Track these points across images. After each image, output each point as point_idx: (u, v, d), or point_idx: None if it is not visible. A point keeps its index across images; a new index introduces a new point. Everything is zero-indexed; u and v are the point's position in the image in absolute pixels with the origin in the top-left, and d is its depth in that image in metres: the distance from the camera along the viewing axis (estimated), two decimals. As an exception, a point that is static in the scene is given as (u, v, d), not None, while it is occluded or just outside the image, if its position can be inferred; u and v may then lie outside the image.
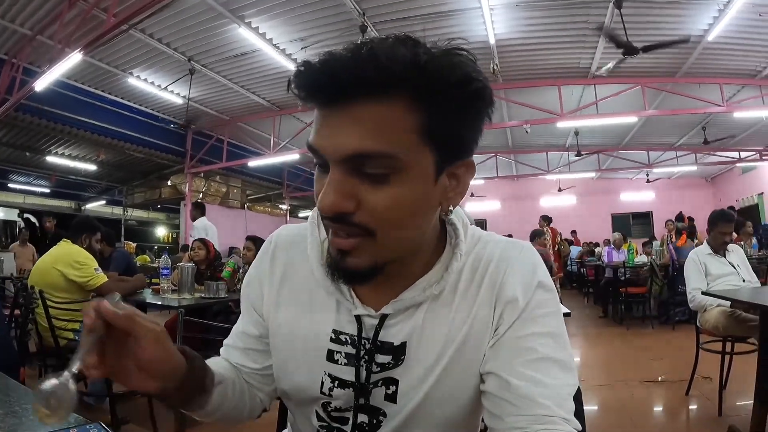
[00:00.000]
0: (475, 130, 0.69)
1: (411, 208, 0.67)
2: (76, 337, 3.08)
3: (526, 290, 0.77)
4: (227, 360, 0.94)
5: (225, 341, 0.96)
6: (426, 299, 0.78)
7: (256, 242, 4.40)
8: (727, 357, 3.46)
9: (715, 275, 3.63)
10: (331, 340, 0.81)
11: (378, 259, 0.69)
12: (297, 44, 7.98)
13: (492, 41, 7.74)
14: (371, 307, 0.79)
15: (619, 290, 7.40)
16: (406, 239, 0.71)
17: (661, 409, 3.70)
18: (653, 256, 7.77)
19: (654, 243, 8.81)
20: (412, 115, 0.63)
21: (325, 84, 0.62)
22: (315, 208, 0.89)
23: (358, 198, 0.65)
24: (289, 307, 0.86)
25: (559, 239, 9.11)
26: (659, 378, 4.25)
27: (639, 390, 4.00)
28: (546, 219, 9.07)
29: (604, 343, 5.97)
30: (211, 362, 0.88)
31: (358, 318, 0.80)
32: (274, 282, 0.88)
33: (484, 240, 0.84)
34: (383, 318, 0.79)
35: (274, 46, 8.03)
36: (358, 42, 0.63)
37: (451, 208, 0.75)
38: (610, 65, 7.22)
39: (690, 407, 3.58)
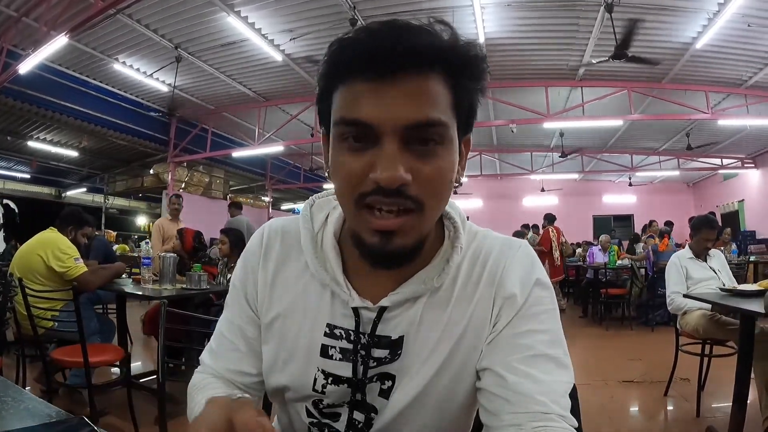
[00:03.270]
0: (477, 105, 0.73)
1: (449, 179, 0.69)
2: (55, 325, 3.03)
3: (524, 287, 0.77)
4: (219, 375, 0.87)
5: (213, 346, 0.89)
6: (425, 292, 0.77)
7: (228, 235, 4.30)
8: (705, 359, 3.51)
9: (696, 279, 3.68)
10: (326, 334, 0.79)
11: (421, 235, 0.70)
12: (286, 35, 7.93)
13: (481, 39, 7.73)
14: (368, 299, 0.78)
15: (599, 291, 7.47)
16: (439, 213, 0.73)
17: (640, 409, 3.74)
18: (634, 258, 7.87)
19: (637, 245, 8.92)
20: (448, 90, 0.66)
21: (384, 53, 0.62)
22: (307, 201, 0.88)
23: (412, 171, 0.65)
24: (281, 300, 0.83)
25: (562, 239, 8.98)
26: (638, 379, 4.29)
27: (618, 390, 4.04)
28: (548, 218, 9.06)
29: (583, 342, 6.02)
30: (224, 392, 0.81)
31: (355, 311, 0.78)
32: (267, 275, 0.85)
33: (481, 235, 0.84)
34: (381, 311, 0.77)
35: (263, 36, 7.95)
36: (392, 20, 0.65)
37: (462, 179, 0.76)
38: (593, 61, 7.29)
39: (668, 408, 3.62)
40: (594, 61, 7.38)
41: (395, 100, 0.63)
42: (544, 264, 5.96)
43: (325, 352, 0.79)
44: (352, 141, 0.66)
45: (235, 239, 4.24)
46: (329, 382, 0.79)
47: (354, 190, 0.66)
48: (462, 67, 0.67)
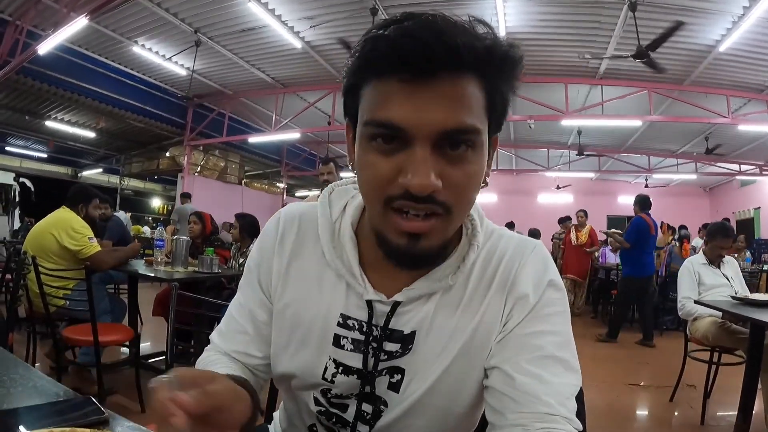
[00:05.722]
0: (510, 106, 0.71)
1: (479, 182, 0.69)
2: (66, 304, 3.07)
3: (537, 288, 0.77)
4: (227, 354, 0.88)
5: (222, 328, 0.90)
6: (439, 290, 0.77)
7: (240, 220, 4.34)
8: (713, 367, 3.48)
9: (709, 285, 3.65)
10: (339, 324, 0.80)
11: (446, 238, 0.70)
12: (305, 23, 7.90)
13: (502, 33, 7.61)
14: (382, 293, 0.78)
15: (610, 292, 7.40)
16: (465, 215, 0.73)
17: (644, 413, 3.73)
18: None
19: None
20: (482, 92, 0.64)
21: (420, 53, 0.59)
22: (326, 188, 0.88)
23: (443, 175, 0.64)
24: (296, 287, 0.84)
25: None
26: (644, 382, 4.27)
27: (624, 393, 4.03)
28: (586, 214, 8.63)
29: (591, 343, 5.99)
30: (230, 370, 0.82)
31: (369, 303, 0.78)
32: (282, 260, 0.85)
33: (498, 234, 0.83)
34: (395, 305, 0.78)
35: (283, 23, 7.94)
36: (428, 16, 0.62)
37: (487, 179, 0.73)
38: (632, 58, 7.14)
39: (673, 413, 3.60)
40: (615, 53, 7.18)
41: (429, 103, 0.61)
42: (587, 262, 5.69)
43: (337, 341, 0.80)
44: (381, 142, 0.64)
45: (246, 224, 4.27)
46: (339, 371, 0.80)
47: (382, 192, 0.65)
48: (498, 71, 0.65)
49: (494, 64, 0.63)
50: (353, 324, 0.79)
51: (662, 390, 3.93)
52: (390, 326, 0.78)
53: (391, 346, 0.78)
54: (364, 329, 0.79)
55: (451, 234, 0.71)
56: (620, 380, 4.32)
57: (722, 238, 3.74)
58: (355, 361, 0.79)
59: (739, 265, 4.08)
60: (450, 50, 0.59)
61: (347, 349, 0.79)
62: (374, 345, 0.78)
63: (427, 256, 0.69)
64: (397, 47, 0.60)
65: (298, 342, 0.82)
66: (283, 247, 0.85)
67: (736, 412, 2.69)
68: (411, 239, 0.66)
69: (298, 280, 0.84)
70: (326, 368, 0.80)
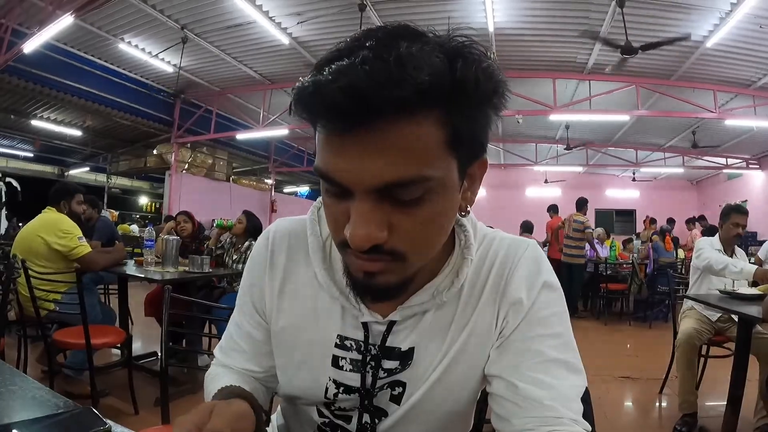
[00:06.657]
0: (491, 127, 0.65)
1: (443, 223, 0.64)
2: (57, 308, 3.04)
3: (530, 290, 0.76)
4: (230, 367, 0.90)
5: (223, 344, 0.92)
6: (433, 306, 0.77)
7: (248, 218, 4.32)
8: (702, 359, 3.51)
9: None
10: (336, 345, 0.79)
11: (407, 275, 0.65)
12: (293, 18, 7.86)
13: (491, 29, 7.67)
14: (378, 313, 0.77)
15: (598, 285, 7.47)
16: (430, 255, 0.68)
17: (634, 404, 3.77)
18: (634, 254, 7.84)
19: (636, 242, 8.88)
20: (442, 128, 0.56)
21: (350, 108, 0.51)
22: (313, 205, 0.85)
23: (390, 224, 0.59)
24: (291, 310, 0.83)
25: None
26: (634, 375, 4.32)
27: (614, 385, 4.07)
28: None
29: (581, 336, 5.96)
30: (235, 381, 0.84)
31: (365, 325, 0.78)
32: (274, 284, 0.84)
33: (489, 238, 0.82)
34: (391, 324, 0.77)
35: (270, 19, 7.88)
36: (375, 43, 0.54)
37: (469, 208, 0.71)
38: (615, 63, 7.21)
39: (663, 405, 3.65)
40: (607, 70, 7.29)
41: (365, 155, 0.54)
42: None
43: (335, 362, 0.79)
44: (330, 187, 0.61)
45: (252, 225, 4.24)
46: (340, 391, 0.80)
47: (337, 234, 0.63)
48: (458, 99, 0.55)
49: (452, 94, 0.55)
50: (351, 344, 0.79)
51: (652, 382, 3.98)
52: (387, 344, 0.78)
53: (390, 364, 0.78)
54: (362, 349, 0.78)
55: (415, 270, 0.66)
56: (611, 373, 4.36)
57: (736, 214, 3.56)
58: (354, 380, 0.79)
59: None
60: (385, 96, 0.51)
61: (346, 370, 0.79)
62: (372, 363, 0.78)
63: (388, 290, 0.65)
64: (324, 96, 0.52)
65: (297, 363, 0.82)
66: (274, 268, 0.84)
67: (725, 403, 2.73)
68: (367, 275, 0.63)
69: (292, 303, 0.83)
70: (327, 389, 0.80)
